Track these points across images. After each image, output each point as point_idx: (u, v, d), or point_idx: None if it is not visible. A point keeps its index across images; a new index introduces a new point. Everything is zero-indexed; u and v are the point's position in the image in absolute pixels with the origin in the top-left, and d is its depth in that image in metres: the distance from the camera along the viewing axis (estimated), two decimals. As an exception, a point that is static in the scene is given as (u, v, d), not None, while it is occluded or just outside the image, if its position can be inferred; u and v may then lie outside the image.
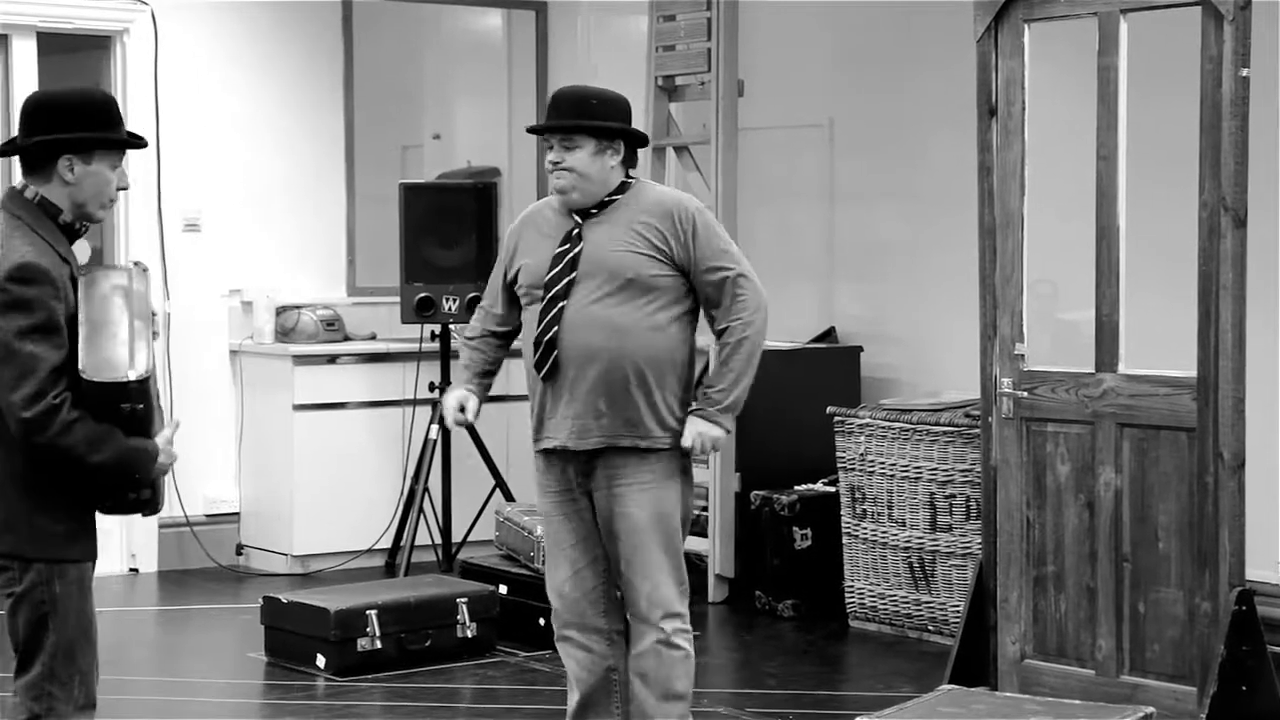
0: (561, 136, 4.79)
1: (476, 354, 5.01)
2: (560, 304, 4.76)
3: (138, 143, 4.03)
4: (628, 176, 4.89)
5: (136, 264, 4.08)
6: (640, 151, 4.97)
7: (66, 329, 3.82)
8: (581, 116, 4.80)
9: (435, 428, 8.07)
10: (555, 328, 4.75)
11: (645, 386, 4.76)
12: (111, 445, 3.83)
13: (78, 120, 3.92)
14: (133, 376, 3.79)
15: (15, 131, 4.01)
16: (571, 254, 4.78)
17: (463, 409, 4.94)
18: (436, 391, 8.13)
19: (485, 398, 5.02)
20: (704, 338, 7.78)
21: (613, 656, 4.94)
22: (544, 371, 4.77)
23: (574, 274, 4.76)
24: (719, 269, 4.80)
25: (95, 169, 3.94)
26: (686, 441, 4.78)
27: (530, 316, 4.84)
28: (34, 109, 3.96)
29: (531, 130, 5.06)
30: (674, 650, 4.87)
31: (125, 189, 4.05)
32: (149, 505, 4.01)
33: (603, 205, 4.83)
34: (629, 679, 4.93)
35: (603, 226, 4.81)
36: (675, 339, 4.83)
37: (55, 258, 3.87)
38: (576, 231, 4.82)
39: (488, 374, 5.03)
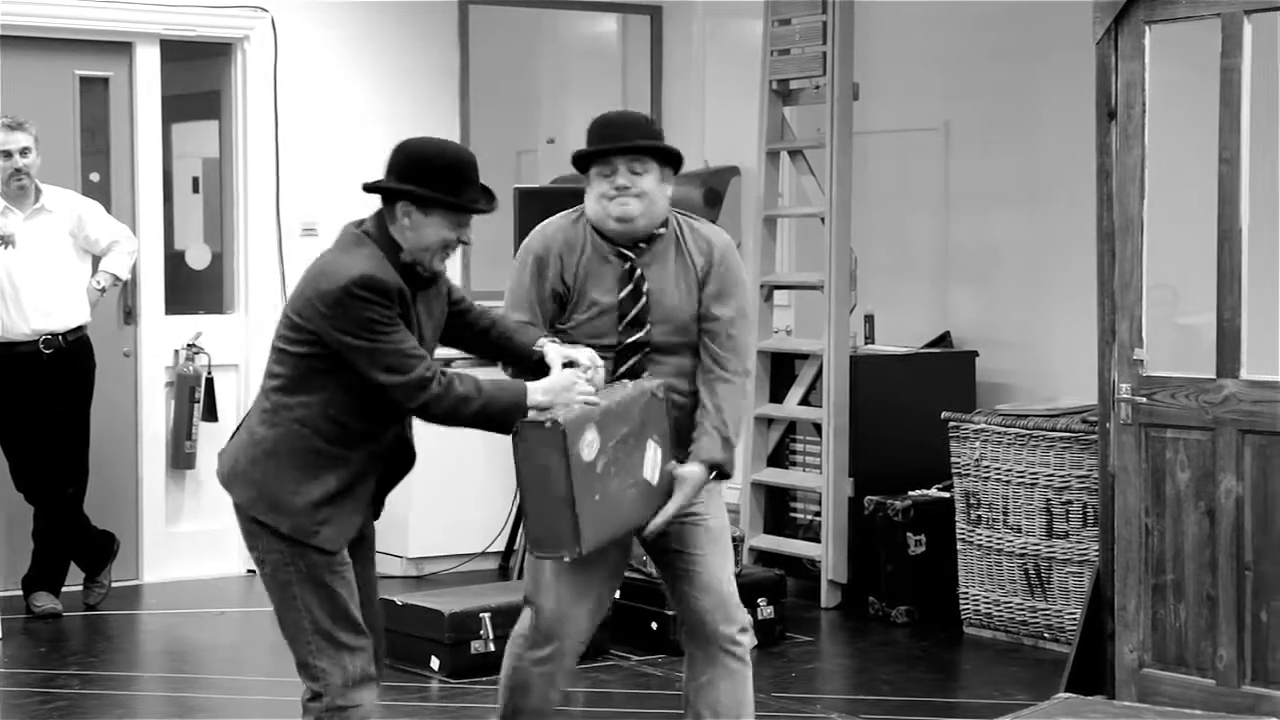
0: (630, 158, 4.34)
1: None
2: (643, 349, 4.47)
3: (475, 209, 4.18)
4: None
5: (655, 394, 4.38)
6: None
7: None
8: (646, 138, 4.37)
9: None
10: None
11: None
12: (480, 397, 4.34)
13: (423, 174, 4.14)
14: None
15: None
16: (641, 299, 4.44)
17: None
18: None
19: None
20: (818, 341, 7.80)
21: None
22: None
23: (648, 323, 4.44)
24: (724, 316, 4.43)
25: (430, 222, 4.14)
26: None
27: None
28: (396, 153, 4.22)
29: (598, 153, 4.40)
30: (747, 666, 4.50)
31: (466, 244, 4.23)
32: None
33: (651, 239, 4.45)
34: (696, 708, 4.51)
35: (656, 266, 4.44)
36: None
37: (393, 274, 4.09)
38: (633, 269, 4.44)
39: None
